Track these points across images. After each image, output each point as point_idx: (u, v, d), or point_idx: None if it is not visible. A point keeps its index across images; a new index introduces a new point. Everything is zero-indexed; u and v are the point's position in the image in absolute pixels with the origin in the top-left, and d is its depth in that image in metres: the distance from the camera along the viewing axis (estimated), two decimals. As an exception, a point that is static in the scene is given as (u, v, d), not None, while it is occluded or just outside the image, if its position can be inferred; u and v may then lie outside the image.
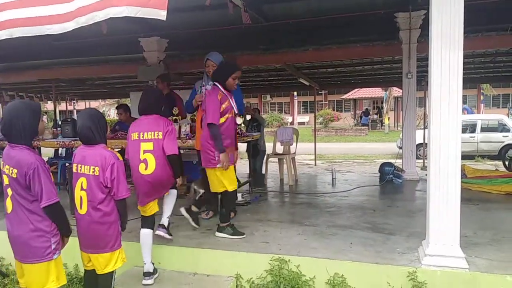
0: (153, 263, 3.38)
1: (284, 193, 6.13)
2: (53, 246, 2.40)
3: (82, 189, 2.66)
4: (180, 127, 4.95)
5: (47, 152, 8.49)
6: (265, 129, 8.68)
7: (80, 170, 2.67)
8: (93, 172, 2.62)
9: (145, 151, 3.30)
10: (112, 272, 2.77)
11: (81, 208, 2.68)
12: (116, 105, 10.48)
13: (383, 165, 6.73)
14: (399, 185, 6.24)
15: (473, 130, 11.93)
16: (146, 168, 3.29)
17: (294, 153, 7.11)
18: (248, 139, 5.55)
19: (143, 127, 3.38)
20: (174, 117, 4.91)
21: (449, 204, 2.88)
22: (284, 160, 6.79)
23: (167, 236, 3.64)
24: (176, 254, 3.60)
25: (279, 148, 7.20)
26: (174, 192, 3.71)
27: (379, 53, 7.20)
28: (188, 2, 4.85)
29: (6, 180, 2.39)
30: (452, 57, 2.80)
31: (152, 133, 3.33)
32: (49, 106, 31.53)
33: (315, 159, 10.27)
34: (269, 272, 3.28)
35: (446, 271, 2.90)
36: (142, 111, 3.47)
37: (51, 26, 2.61)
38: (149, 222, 3.41)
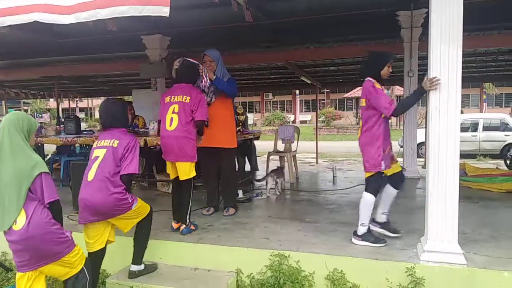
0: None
1: (285, 190, 6.15)
2: (129, 200, 2.99)
3: (173, 112, 3.66)
4: None
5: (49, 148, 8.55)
6: (267, 128, 8.69)
7: (173, 100, 3.71)
8: (185, 99, 3.68)
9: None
10: (191, 179, 3.71)
11: (170, 125, 3.68)
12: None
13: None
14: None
15: (475, 129, 11.92)
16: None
17: (295, 150, 7.13)
18: (250, 136, 5.58)
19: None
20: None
21: (447, 200, 2.90)
22: (285, 157, 6.81)
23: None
24: (177, 249, 3.64)
25: (281, 146, 7.23)
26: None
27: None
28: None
29: (98, 153, 2.94)
30: (451, 52, 2.79)
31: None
32: (52, 103, 31.69)
33: (316, 157, 10.30)
34: (269, 268, 3.30)
35: (444, 267, 2.93)
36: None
37: (42, 15, 2.61)
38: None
